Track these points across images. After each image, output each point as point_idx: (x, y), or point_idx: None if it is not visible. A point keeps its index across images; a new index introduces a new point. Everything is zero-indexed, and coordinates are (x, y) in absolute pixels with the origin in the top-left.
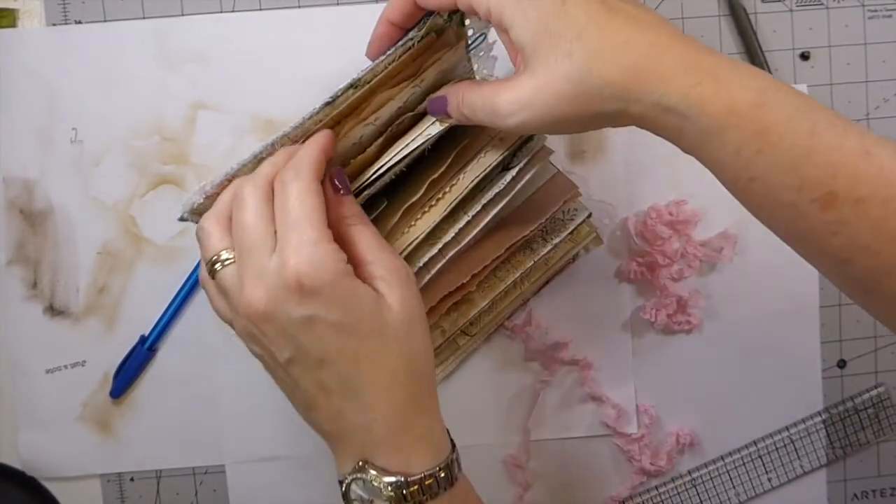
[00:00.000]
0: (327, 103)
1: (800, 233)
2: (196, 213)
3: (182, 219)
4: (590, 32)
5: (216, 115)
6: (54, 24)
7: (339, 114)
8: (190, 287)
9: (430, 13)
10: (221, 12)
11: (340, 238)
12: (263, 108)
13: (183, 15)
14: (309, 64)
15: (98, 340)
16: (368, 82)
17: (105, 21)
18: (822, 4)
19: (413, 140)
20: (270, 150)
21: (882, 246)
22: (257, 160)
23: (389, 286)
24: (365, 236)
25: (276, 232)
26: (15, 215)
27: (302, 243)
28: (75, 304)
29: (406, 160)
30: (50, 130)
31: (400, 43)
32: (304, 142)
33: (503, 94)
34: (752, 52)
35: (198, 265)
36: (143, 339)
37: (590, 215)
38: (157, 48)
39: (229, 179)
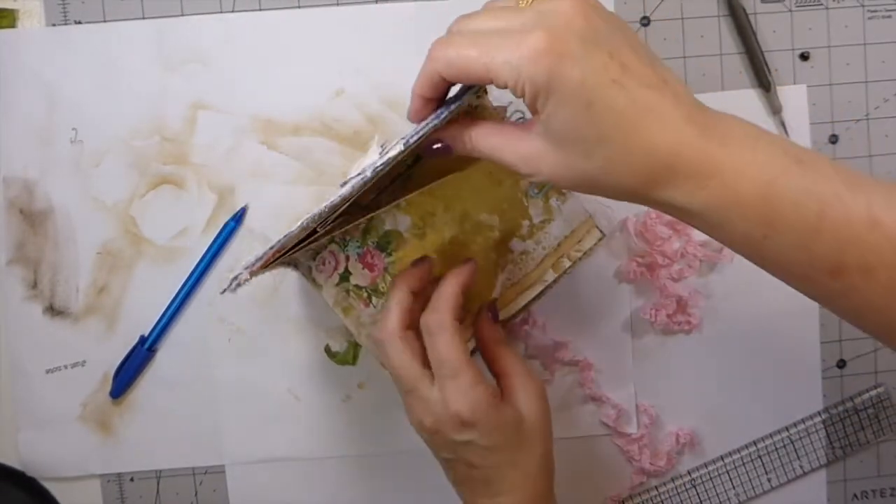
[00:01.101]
0: (377, 171)
1: (812, 294)
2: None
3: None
4: (612, 139)
5: (216, 115)
6: (54, 25)
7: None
8: (190, 287)
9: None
10: (221, 12)
11: (489, 354)
12: (263, 108)
13: (183, 15)
14: (309, 64)
15: (98, 340)
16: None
17: (105, 21)
18: (822, 4)
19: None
20: (318, 219)
21: (893, 304)
22: (305, 230)
23: (527, 400)
24: (508, 355)
25: (430, 366)
26: (15, 215)
27: (459, 389)
28: (75, 304)
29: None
30: (50, 130)
31: (437, 117)
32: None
33: (521, 148)
34: (752, 52)
35: (198, 265)
36: (142, 340)
37: (602, 238)
38: (157, 48)
39: (275, 252)
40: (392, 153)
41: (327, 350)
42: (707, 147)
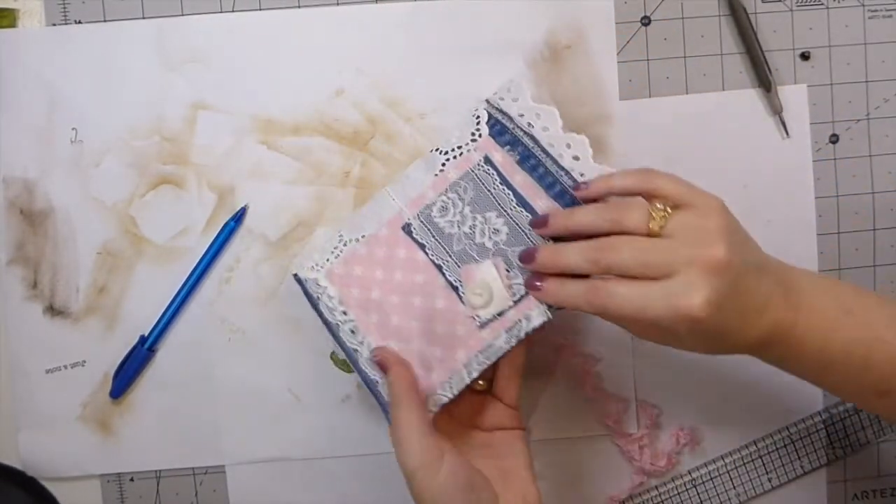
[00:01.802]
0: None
1: (861, 406)
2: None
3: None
4: (734, 327)
5: (216, 115)
6: (54, 24)
7: None
8: (190, 287)
9: None
10: (221, 12)
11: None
12: (263, 108)
13: (183, 15)
14: (309, 64)
15: (98, 340)
16: None
17: (105, 21)
18: (822, 4)
19: None
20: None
21: None
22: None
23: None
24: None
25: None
26: (15, 215)
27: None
28: (75, 304)
29: None
30: (50, 130)
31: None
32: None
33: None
34: (753, 52)
35: (198, 265)
36: (142, 340)
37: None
38: (157, 48)
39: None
40: (535, 323)
41: (333, 357)
42: (789, 316)
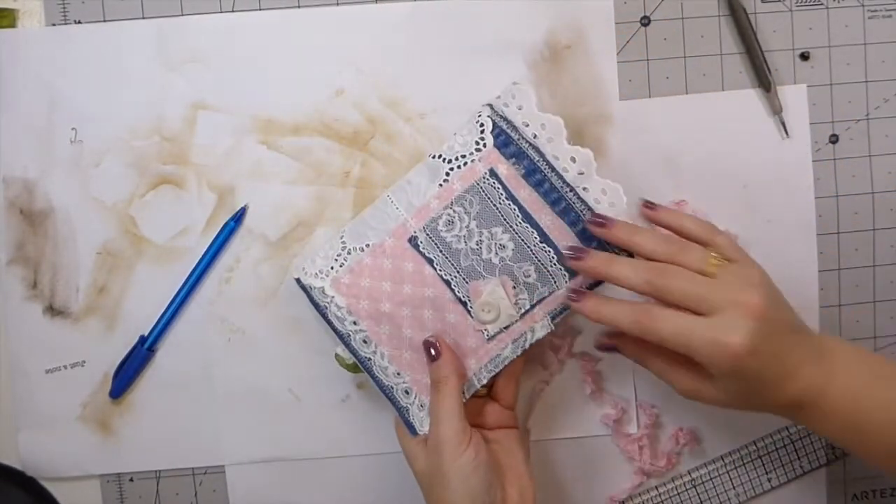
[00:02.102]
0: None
1: (886, 465)
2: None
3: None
4: (771, 386)
5: (216, 115)
6: (54, 24)
7: None
8: (189, 287)
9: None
10: (221, 12)
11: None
12: (263, 108)
13: (183, 15)
14: (309, 64)
15: (98, 340)
16: None
17: (105, 21)
18: (822, 4)
19: None
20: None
21: None
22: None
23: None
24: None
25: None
26: (15, 215)
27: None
28: (75, 304)
29: None
30: (50, 130)
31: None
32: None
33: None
34: (753, 52)
35: (197, 265)
36: (142, 340)
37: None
38: (157, 48)
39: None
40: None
41: (338, 358)
42: (821, 379)
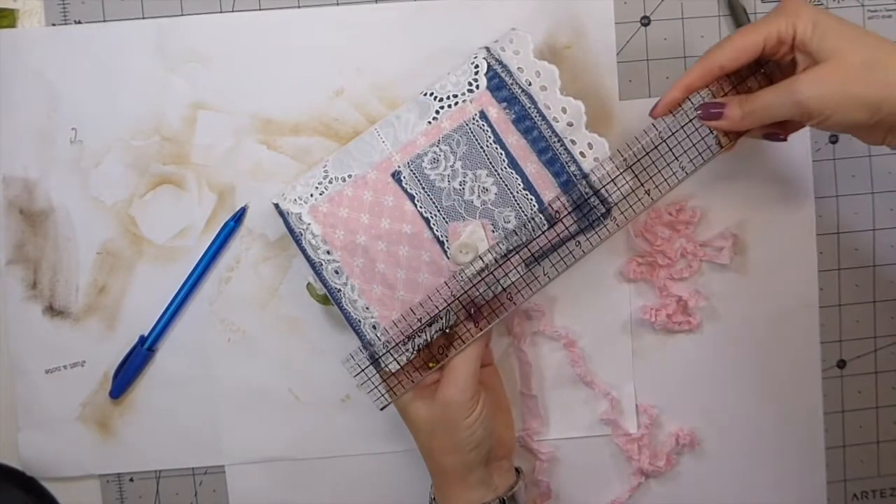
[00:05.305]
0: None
1: None
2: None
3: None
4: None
5: (216, 115)
6: (54, 24)
7: None
8: (189, 287)
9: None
10: (221, 12)
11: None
12: (263, 108)
13: (183, 15)
14: (309, 64)
15: (98, 340)
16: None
17: (105, 21)
18: (821, 4)
19: None
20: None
21: None
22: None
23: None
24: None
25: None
26: (15, 215)
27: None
28: (75, 304)
29: None
30: (50, 130)
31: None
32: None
33: (803, 78)
34: None
35: (197, 265)
36: (142, 340)
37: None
38: (157, 48)
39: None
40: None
41: (309, 288)
42: None
